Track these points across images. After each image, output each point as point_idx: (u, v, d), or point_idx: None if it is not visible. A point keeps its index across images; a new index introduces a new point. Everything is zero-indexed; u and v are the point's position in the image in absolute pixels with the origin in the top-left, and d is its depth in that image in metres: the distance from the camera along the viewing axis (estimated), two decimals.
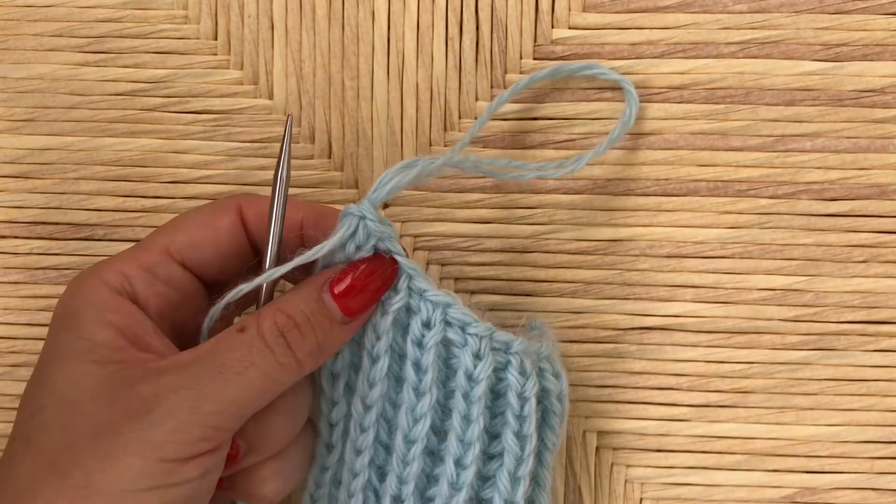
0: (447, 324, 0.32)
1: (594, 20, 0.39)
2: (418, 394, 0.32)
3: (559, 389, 0.35)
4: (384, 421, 0.33)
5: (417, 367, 0.32)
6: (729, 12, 0.39)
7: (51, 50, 0.40)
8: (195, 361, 0.29)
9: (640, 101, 0.39)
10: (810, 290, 0.39)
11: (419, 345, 0.32)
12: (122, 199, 0.40)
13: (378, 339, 0.32)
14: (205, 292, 0.33)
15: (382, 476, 0.34)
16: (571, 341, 0.39)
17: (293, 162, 0.40)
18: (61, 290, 0.39)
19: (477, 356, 0.32)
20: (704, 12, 0.39)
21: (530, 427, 0.33)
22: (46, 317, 0.40)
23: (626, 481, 0.39)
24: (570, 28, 0.40)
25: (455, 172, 0.40)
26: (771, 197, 0.39)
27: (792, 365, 0.39)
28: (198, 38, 0.40)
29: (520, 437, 0.33)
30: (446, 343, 0.32)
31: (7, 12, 0.40)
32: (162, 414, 0.28)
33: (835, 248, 0.39)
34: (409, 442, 0.33)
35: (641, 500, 0.39)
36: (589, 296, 0.39)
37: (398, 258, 0.31)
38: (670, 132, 0.39)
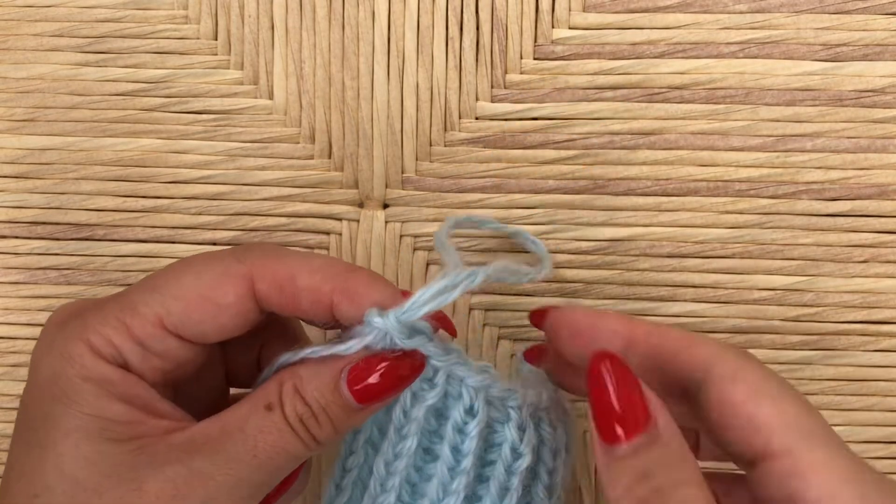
0: (488, 403, 0.31)
1: (594, 20, 0.39)
2: (454, 473, 0.31)
3: (569, 434, 0.34)
4: (408, 484, 0.32)
5: (457, 450, 0.31)
6: (729, 12, 0.39)
7: (51, 50, 0.40)
8: (225, 438, 0.28)
9: (641, 101, 0.39)
10: (810, 290, 0.39)
11: (461, 431, 0.31)
12: (122, 199, 0.40)
13: (408, 421, 0.31)
14: (205, 351, 0.31)
15: None
16: None
17: (292, 162, 0.40)
18: (61, 290, 0.40)
19: (521, 428, 0.31)
20: (704, 12, 0.39)
21: (558, 476, 0.33)
22: (47, 317, 0.40)
23: None
24: (570, 28, 0.40)
25: (455, 172, 0.40)
26: (771, 197, 0.39)
27: (792, 365, 0.39)
28: (198, 38, 0.40)
29: (549, 488, 0.33)
30: (489, 422, 0.31)
31: (7, 12, 0.40)
32: None
33: (835, 248, 0.39)
34: None
35: None
36: (589, 296, 0.39)
37: (434, 361, 0.30)
38: (670, 132, 0.39)
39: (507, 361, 0.40)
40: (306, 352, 0.29)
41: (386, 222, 0.40)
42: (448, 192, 0.40)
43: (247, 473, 0.27)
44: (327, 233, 0.40)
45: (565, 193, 0.39)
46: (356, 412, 0.29)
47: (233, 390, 0.34)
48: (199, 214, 0.40)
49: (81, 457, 0.27)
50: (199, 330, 0.29)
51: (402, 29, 0.39)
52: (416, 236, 0.40)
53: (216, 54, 0.40)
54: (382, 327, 0.29)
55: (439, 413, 0.31)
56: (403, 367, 0.29)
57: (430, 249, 0.40)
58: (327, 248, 0.40)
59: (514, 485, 0.31)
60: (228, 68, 0.40)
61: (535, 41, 0.40)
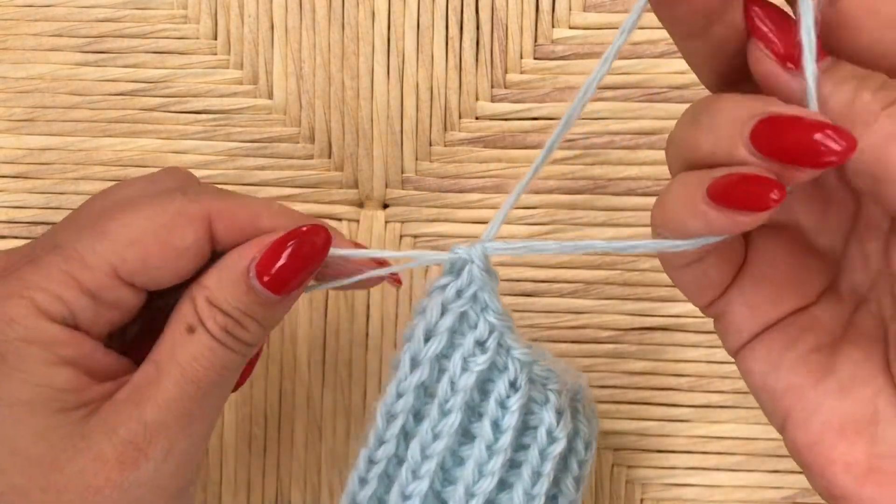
0: (530, 381, 0.31)
1: (594, 20, 0.39)
2: (492, 452, 0.31)
3: (595, 423, 0.34)
4: (441, 470, 0.31)
5: (496, 426, 0.31)
6: None
7: (51, 50, 0.40)
8: (164, 376, 0.27)
9: (641, 101, 0.39)
10: None
11: (502, 405, 0.30)
12: None
13: (455, 393, 0.30)
14: (149, 297, 0.29)
15: None
16: (571, 342, 0.39)
17: (292, 162, 0.40)
18: None
19: (559, 412, 0.31)
20: None
21: (587, 469, 0.33)
22: None
23: (626, 482, 0.39)
24: (570, 28, 0.39)
25: (455, 172, 0.40)
26: None
27: None
28: (197, 38, 0.40)
29: (578, 480, 0.32)
30: (528, 402, 0.31)
31: (7, 12, 0.40)
32: (161, 458, 0.26)
33: None
34: (471, 495, 0.31)
35: (642, 500, 0.39)
36: (589, 296, 0.39)
37: (491, 318, 0.30)
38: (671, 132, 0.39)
39: None
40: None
41: (386, 222, 0.40)
42: (448, 192, 0.40)
43: (197, 406, 0.27)
44: None
45: (565, 193, 0.39)
46: (277, 304, 0.27)
47: None
48: None
49: (31, 432, 0.25)
50: (155, 276, 0.27)
51: (402, 29, 0.39)
52: (416, 236, 0.40)
53: (216, 54, 0.40)
54: (466, 256, 0.29)
55: (482, 388, 0.31)
56: (308, 245, 0.27)
57: (430, 249, 0.40)
58: None
59: (547, 470, 0.31)
60: (228, 68, 0.40)
61: (535, 41, 0.40)
